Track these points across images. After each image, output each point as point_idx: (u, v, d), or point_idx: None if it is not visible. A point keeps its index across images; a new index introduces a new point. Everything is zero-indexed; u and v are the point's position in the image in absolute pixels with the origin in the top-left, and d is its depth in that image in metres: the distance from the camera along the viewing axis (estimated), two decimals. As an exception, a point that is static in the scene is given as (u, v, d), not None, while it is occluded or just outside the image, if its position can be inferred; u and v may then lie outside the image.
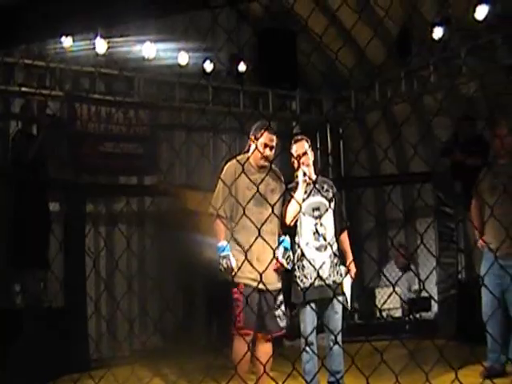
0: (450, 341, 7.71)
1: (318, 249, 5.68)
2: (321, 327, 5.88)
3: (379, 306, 9.54)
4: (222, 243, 5.40)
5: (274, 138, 5.63)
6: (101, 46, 8.64)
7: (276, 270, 5.55)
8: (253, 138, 5.64)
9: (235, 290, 5.41)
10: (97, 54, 8.75)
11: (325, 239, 5.67)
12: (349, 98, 10.83)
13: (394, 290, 9.59)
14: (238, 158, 5.64)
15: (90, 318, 8.21)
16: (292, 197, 5.60)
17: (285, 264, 5.57)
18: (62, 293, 8.02)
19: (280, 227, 5.73)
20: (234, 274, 5.25)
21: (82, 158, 8.88)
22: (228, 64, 9.84)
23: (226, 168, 5.60)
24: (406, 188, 10.27)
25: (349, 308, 5.94)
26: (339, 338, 5.65)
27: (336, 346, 5.56)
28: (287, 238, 5.71)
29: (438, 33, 8.72)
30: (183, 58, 9.34)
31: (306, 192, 5.72)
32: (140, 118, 9.42)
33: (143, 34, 8.99)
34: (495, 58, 8.47)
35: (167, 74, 9.62)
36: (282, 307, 5.70)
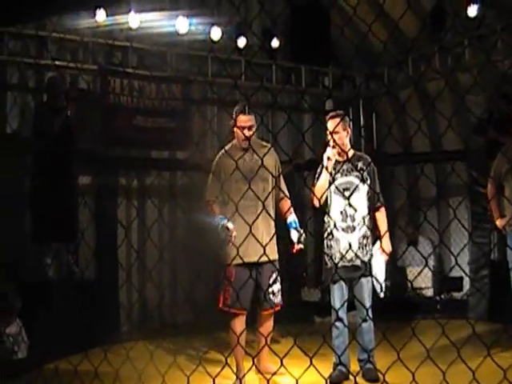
0: (481, 321, 7.66)
1: (344, 230, 5.67)
2: (352, 305, 5.87)
3: (411, 285, 9.50)
4: (219, 217, 5.61)
5: (251, 117, 5.82)
6: (134, 20, 8.63)
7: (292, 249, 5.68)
8: (232, 124, 5.87)
9: (228, 269, 5.59)
10: (130, 29, 8.75)
11: (353, 220, 5.65)
12: (382, 74, 10.72)
13: (426, 264, 9.49)
14: (228, 144, 5.94)
15: (121, 289, 8.29)
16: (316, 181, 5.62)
17: (302, 247, 5.75)
18: (93, 264, 8.09)
19: (277, 198, 5.90)
20: (233, 237, 5.41)
21: (114, 131, 8.91)
22: (261, 39, 9.79)
23: (216, 158, 5.91)
24: (439, 166, 10.15)
25: (381, 292, 5.89)
26: (369, 315, 5.63)
27: (366, 323, 5.56)
28: (294, 218, 5.82)
29: (472, 10, 8.59)
30: (216, 33, 9.28)
31: (336, 170, 5.70)
32: (172, 92, 9.41)
33: (176, 8, 8.97)
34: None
35: (200, 49, 9.58)
36: (278, 284, 5.87)
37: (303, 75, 10.64)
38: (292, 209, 5.93)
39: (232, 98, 9.71)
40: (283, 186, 5.96)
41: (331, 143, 5.66)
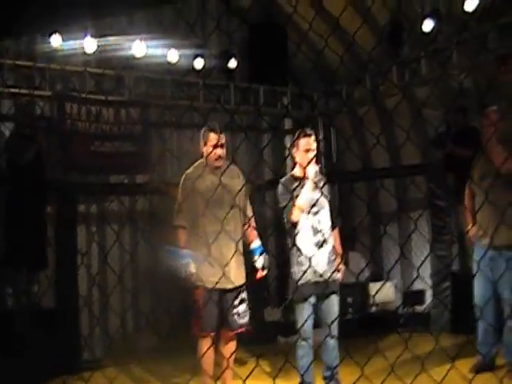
0: (444, 333, 7.73)
1: (315, 245, 5.67)
2: (316, 322, 5.87)
3: (372, 300, 9.54)
4: (184, 251, 5.54)
5: (222, 136, 5.80)
6: (90, 45, 8.61)
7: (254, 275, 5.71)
8: (202, 143, 5.81)
9: (196, 292, 5.59)
10: (86, 53, 8.71)
11: (323, 235, 5.68)
12: (340, 91, 10.81)
13: (387, 279, 9.55)
14: (194, 165, 5.85)
15: (81, 318, 8.18)
16: (293, 197, 5.62)
17: (266, 272, 5.77)
18: (53, 293, 8.01)
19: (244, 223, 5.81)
20: (194, 278, 5.44)
21: (72, 157, 8.83)
22: (218, 60, 9.82)
23: (184, 176, 5.81)
24: (399, 180, 10.26)
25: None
26: (335, 333, 5.64)
27: (331, 341, 5.57)
28: (259, 244, 5.85)
29: (428, 25, 8.71)
30: (173, 56, 9.30)
31: (302, 187, 5.69)
32: (131, 117, 9.37)
33: (132, 32, 8.97)
34: (486, 48, 8.45)
35: (157, 72, 9.58)
36: (244, 305, 5.81)
37: (261, 95, 10.69)
38: (257, 234, 5.91)
39: (190, 121, 9.75)
40: (249, 211, 5.93)
41: (306, 160, 5.67)
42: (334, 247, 5.81)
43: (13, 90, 8.40)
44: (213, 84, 10.20)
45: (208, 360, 5.50)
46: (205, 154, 5.77)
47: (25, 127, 8.04)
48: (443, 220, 8.81)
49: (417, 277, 8.50)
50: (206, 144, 5.77)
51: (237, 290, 5.66)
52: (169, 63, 9.29)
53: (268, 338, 8.74)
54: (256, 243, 5.85)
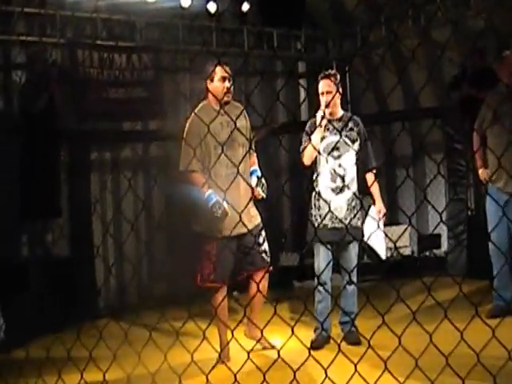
0: (459, 278, 7.73)
1: (333, 190, 5.61)
2: (335, 267, 5.86)
3: (390, 244, 9.55)
4: (208, 192, 5.32)
5: (228, 69, 5.59)
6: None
7: (253, 200, 5.51)
8: (208, 80, 5.59)
9: (209, 243, 5.45)
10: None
11: (343, 180, 5.58)
12: (355, 34, 10.65)
13: (410, 224, 9.51)
14: (198, 107, 5.57)
15: (96, 266, 8.23)
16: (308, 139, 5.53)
17: (260, 192, 5.55)
18: (68, 242, 8.05)
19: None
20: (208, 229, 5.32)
21: (85, 104, 8.77)
22: (231, 3, 9.68)
23: (188, 122, 5.53)
24: (415, 124, 10.16)
25: (383, 255, 5.90)
26: (354, 279, 5.62)
27: (350, 287, 5.55)
28: (257, 168, 5.69)
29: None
30: (186, 0, 9.15)
31: (328, 130, 5.61)
32: (143, 62, 9.28)
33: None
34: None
35: (169, 17, 9.45)
36: (265, 245, 5.70)
37: (275, 39, 10.54)
38: (256, 161, 5.79)
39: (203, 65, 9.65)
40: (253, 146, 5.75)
41: (324, 102, 5.60)
42: (356, 193, 5.68)
43: (23, 38, 8.31)
44: (226, 28, 10.06)
45: (223, 311, 5.43)
46: (211, 90, 5.56)
47: (36, 75, 7.98)
48: (460, 163, 8.75)
49: (440, 221, 8.39)
50: (212, 80, 5.55)
51: (257, 229, 5.55)
52: (181, 7, 9.15)
53: (283, 282, 8.77)
54: (254, 167, 5.71)
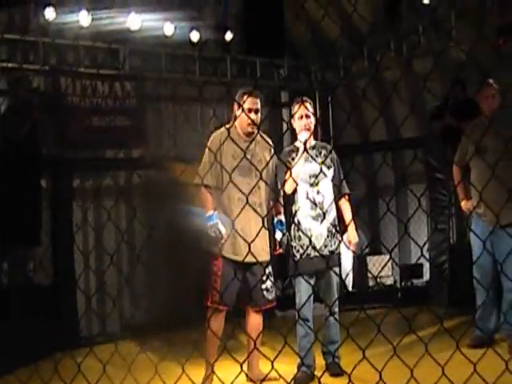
0: (442, 308, 7.73)
1: (314, 218, 5.54)
2: (316, 297, 5.81)
3: (371, 274, 9.54)
4: (210, 212, 5.34)
5: (258, 101, 5.56)
6: (85, 18, 8.48)
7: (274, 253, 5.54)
8: (236, 105, 5.59)
9: (215, 262, 5.40)
10: (81, 27, 8.60)
11: (322, 208, 5.55)
12: (337, 64, 10.72)
13: (390, 257, 9.53)
14: (225, 127, 5.52)
15: (78, 295, 8.14)
16: (288, 168, 5.48)
17: (282, 249, 5.57)
18: (50, 270, 7.97)
19: (270, 198, 5.65)
20: (222, 242, 5.22)
21: (67, 132, 8.74)
22: (214, 33, 9.72)
23: (212, 137, 5.55)
24: (397, 154, 10.21)
25: (350, 286, 5.86)
26: (336, 309, 5.58)
27: (332, 317, 5.49)
28: (282, 218, 5.66)
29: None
30: (169, 29, 9.18)
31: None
32: (126, 91, 9.27)
33: (127, 5, 8.85)
34: (485, 20, 8.37)
35: (153, 45, 9.47)
36: (271, 279, 5.64)
37: (258, 68, 10.58)
38: (282, 210, 5.75)
39: (186, 94, 9.67)
40: (276, 187, 5.65)
41: (303, 126, 5.55)
42: (335, 219, 5.67)
43: (5, 64, 8.28)
44: (209, 57, 10.10)
45: (213, 340, 5.29)
46: (238, 118, 5.48)
47: (19, 102, 7.96)
48: (442, 193, 8.78)
49: (421, 253, 8.37)
50: (239, 107, 5.45)
51: (261, 265, 5.43)
52: (164, 36, 9.17)
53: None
54: (279, 217, 5.71)
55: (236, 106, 5.59)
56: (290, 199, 5.63)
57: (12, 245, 7.61)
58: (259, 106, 5.56)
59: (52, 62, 8.75)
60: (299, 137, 5.58)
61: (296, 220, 5.56)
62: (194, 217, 5.54)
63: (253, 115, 5.46)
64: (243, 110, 5.38)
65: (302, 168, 5.52)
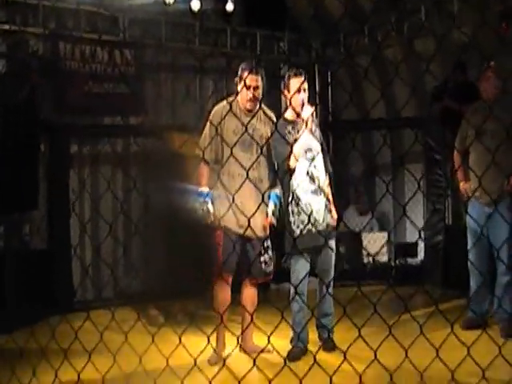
0: (436, 288, 7.76)
1: (313, 192, 5.45)
2: (311, 272, 5.76)
3: (367, 251, 9.56)
4: (203, 189, 5.34)
5: (259, 78, 5.50)
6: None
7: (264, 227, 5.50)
8: (238, 79, 5.54)
9: (217, 233, 5.38)
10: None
11: (319, 182, 5.48)
12: (338, 41, 10.65)
13: (389, 235, 9.54)
14: (227, 100, 5.49)
15: (73, 260, 8.14)
16: (288, 142, 5.42)
17: (274, 222, 5.50)
18: (46, 234, 7.96)
19: (270, 173, 5.61)
20: (213, 219, 5.25)
21: (66, 98, 8.69)
22: (215, 2, 9.64)
23: (214, 110, 5.51)
24: (395, 133, 10.17)
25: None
26: (331, 285, 5.54)
27: (328, 291, 5.48)
28: (278, 191, 5.58)
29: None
30: (170, -4, 9.09)
31: (298, 131, 5.45)
32: (125, 58, 9.20)
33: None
34: (488, 4, 8.29)
35: (153, 13, 9.38)
36: (269, 252, 5.62)
37: (258, 40, 10.51)
38: (279, 184, 5.66)
39: (185, 63, 9.61)
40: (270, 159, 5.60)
41: (300, 100, 5.46)
42: (329, 194, 5.62)
43: (4, 27, 8.21)
44: (209, 27, 10.02)
45: (224, 306, 5.20)
46: (239, 94, 5.46)
47: (17, 66, 7.89)
48: (438, 173, 8.77)
49: (419, 236, 8.39)
50: (240, 83, 5.47)
51: (260, 239, 5.48)
52: (165, 4, 9.08)
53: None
54: (275, 190, 5.61)
55: (237, 80, 5.54)
56: (288, 174, 5.48)
57: (8, 207, 7.59)
58: (260, 83, 5.49)
59: (51, 26, 8.67)
60: (303, 111, 5.47)
61: (296, 195, 5.46)
62: (185, 192, 5.51)
63: (252, 92, 5.42)
64: (244, 86, 5.37)
65: (299, 142, 5.45)
